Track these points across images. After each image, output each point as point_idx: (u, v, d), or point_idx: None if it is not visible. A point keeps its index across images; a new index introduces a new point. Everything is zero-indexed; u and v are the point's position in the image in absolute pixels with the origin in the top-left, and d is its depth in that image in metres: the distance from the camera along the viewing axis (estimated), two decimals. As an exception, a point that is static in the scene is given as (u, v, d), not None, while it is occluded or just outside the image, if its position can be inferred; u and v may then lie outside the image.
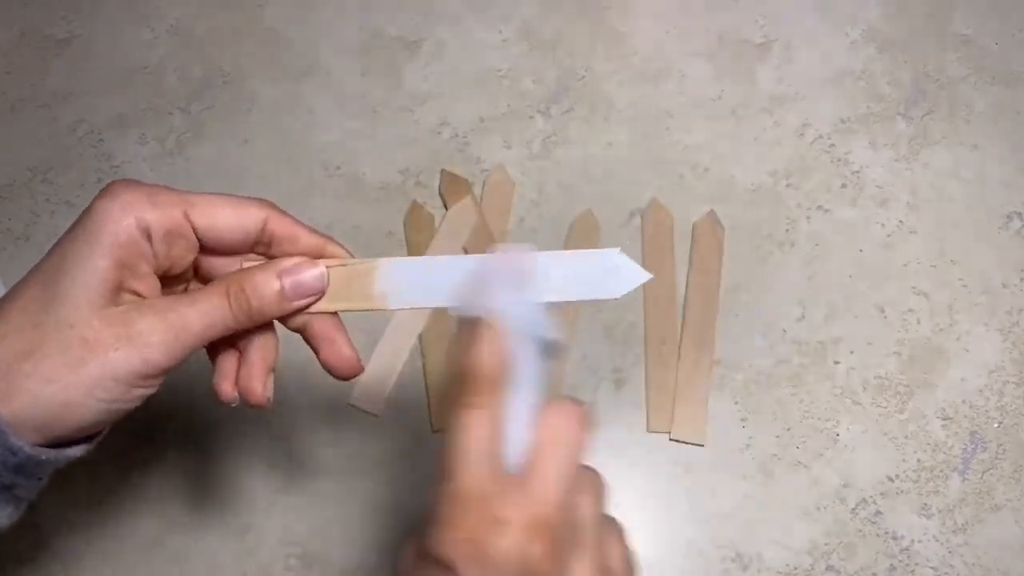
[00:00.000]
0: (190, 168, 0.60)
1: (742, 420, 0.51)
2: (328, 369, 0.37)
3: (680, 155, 0.59)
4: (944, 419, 0.51)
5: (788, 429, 0.51)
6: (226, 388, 0.37)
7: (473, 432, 0.31)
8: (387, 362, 0.53)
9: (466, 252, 0.56)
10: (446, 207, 0.57)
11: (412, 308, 0.37)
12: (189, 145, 0.60)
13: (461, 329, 0.32)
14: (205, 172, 0.59)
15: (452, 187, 0.58)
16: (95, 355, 0.31)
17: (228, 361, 0.37)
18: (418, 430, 0.52)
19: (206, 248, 0.36)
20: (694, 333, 0.53)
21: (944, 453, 0.50)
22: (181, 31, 0.65)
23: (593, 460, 0.33)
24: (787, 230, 0.56)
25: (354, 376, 0.38)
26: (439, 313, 0.54)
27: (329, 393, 0.53)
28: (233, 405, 0.37)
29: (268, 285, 0.35)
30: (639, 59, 0.62)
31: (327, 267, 0.36)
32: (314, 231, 0.37)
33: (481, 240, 0.56)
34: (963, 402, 0.51)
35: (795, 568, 0.48)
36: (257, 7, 0.65)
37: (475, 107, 0.61)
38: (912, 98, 0.60)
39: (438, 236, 0.56)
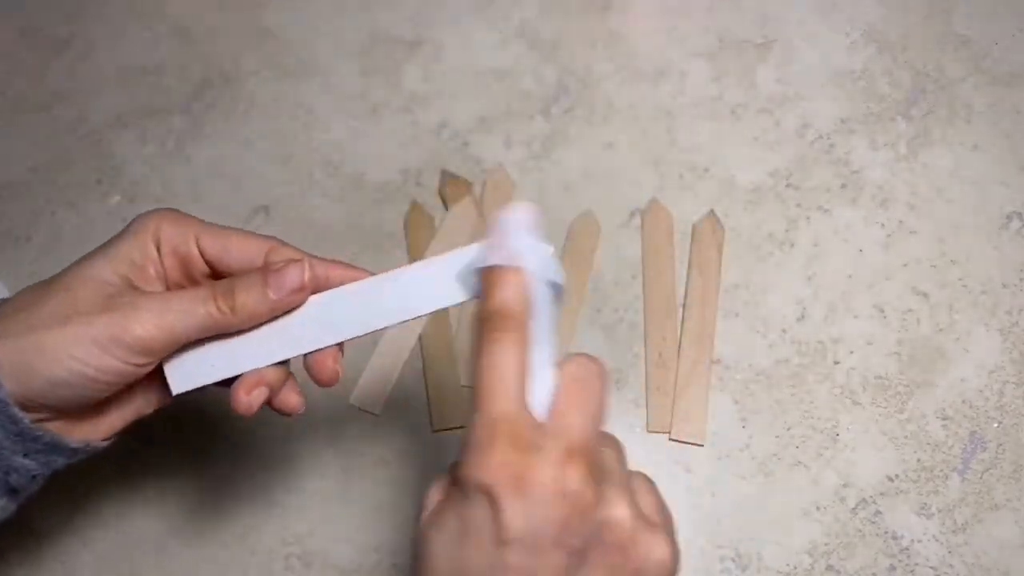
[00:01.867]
0: (190, 168, 0.60)
1: (742, 420, 0.51)
2: (312, 375, 0.39)
3: (680, 155, 0.59)
4: (944, 419, 0.51)
5: (788, 429, 0.51)
6: (242, 398, 0.37)
7: (505, 360, 0.31)
8: (387, 362, 0.53)
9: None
10: (446, 207, 0.57)
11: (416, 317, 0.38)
12: (189, 145, 0.60)
13: (483, 276, 0.34)
14: (205, 172, 0.59)
15: (452, 187, 0.58)
16: (80, 316, 0.34)
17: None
18: (418, 430, 0.52)
19: (216, 274, 0.38)
20: (694, 333, 0.53)
21: (944, 453, 0.50)
22: (181, 31, 0.65)
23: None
24: (787, 230, 0.56)
25: (332, 384, 0.39)
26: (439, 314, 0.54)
27: (329, 393, 0.53)
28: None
29: (253, 281, 0.36)
30: (639, 59, 0.62)
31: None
32: (319, 259, 0.38)
33: (481, 240, 0.56)
34: (963, 402, 0.51)
35: (795, 568, 0.48)
36: (257, 7, 0.65)
37: (475, 107, 0.61)
38: (912, 98, 0.60)
39: (438, 236, 0.56)
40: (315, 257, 0.38)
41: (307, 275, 0.37)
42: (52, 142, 0.61)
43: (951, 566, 0.48)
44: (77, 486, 0.50)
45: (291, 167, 0.59)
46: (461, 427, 0.51)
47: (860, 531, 0.48)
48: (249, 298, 0.36)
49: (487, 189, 0.58)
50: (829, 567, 0.48)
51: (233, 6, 0.65)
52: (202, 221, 0.38)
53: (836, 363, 0.52)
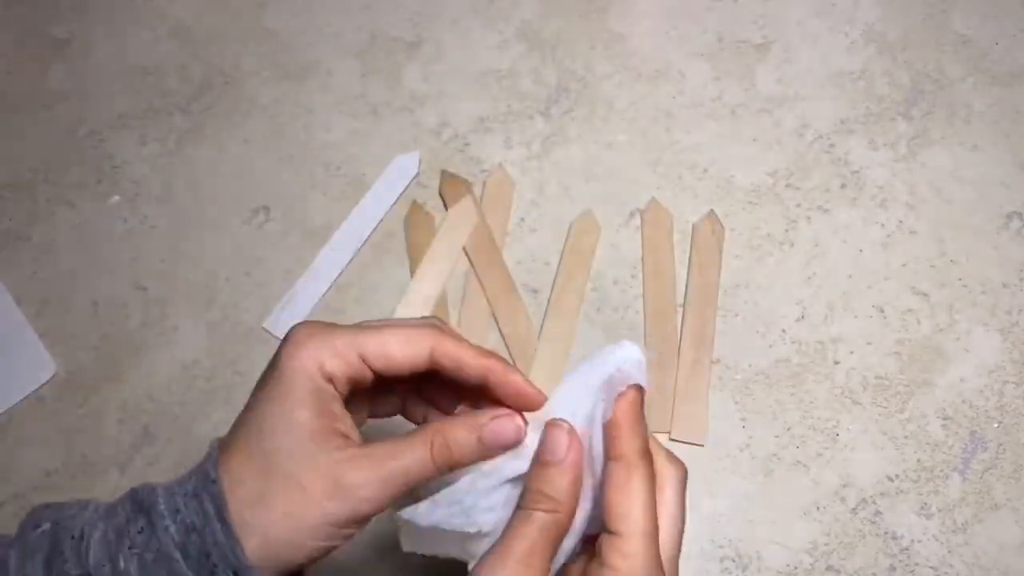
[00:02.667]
0: (190, 168, 0.60)
1: (742, 420, 0.51)
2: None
3: (680, 155, 0.59)
4: (944, 419, 0.51)
5: (788, 429, 0.51)
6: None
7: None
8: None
9: (466, 253, 0.56)
10: (446, 207, 0.57)
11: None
12: (189, 145, 0.60)
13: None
14: (205, 172, 0.59)
15: (452, 187, 0.58)
16: (313, 504, 0.34)
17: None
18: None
19: (383, 377, 0.38)
20: (694, 333, 0.53)
21: (944, 453, 0.50)
22: (181, 31, 0.65)
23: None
24: (787, 230, 0.56)
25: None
26: (439, 311, 0.54)
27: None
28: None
29: (468, 440, 0.36)
30: (639, 59, 0.62)
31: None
32: (479, 352, 0.37)
33: (481, 240, 0.56)
34: (963, 402, 0.51)
35: (795, 568, 0.48)
36: (257, 7, 0.65)
37: (475, 107, 0.61)
38: (911, 98, 0.60)
39: (438, 236, 0.56)
40: (473, 350, 0.37)
41: (522, 431, 0.36)
42: (52, 142, 0.61)
43: (951, 566, 0.48)
44: (77, 486, 0.50)
45: (291, 167, 0.59)
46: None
47: (860, 531, 0.48)
48: (464, 455, 0.36)
49: (487, 189, 0.58)
50: (829, 567, 0.48)
51: (233, 6, 0.65)
52: (354, 332, 0.37)
53: (836, 363, 0.52)
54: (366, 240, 0.56)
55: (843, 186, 0.57)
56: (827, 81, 0.61)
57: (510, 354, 0.53)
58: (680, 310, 0.54)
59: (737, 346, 0.53)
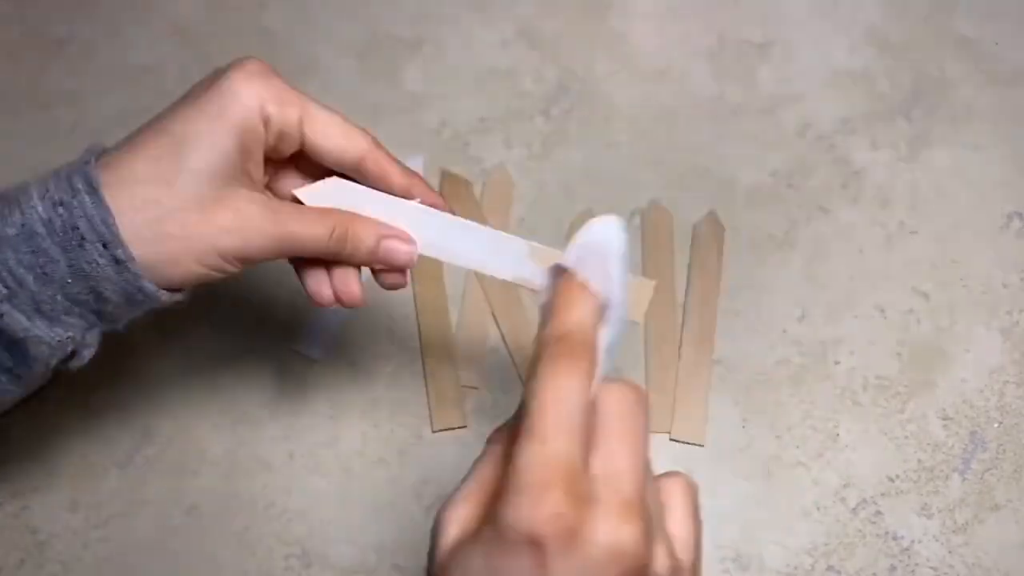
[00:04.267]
0: (190, 168, 0.59)
1: (742, 420, 0.51)
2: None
3: (680, 155, 0.59)
4: (944, 419, 0.51)
5: (788, 429, 0.51)
6: (324, 291, 0.40)
7: (572, 392, 0.27)
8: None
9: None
10: (446, 207, 0.57)
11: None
12: (189, 145, 0.60)
13: (564, 287, 0.30)
14: (205, 172, 0.59)
15: (452, 187, 0.58)
16: (210, 230, 0.36)
17: (318, 269, 0.40)
18: (418, 430, 0.52)
19: (306, 153, 0.39)
20: (694, 333, 0.53)
21: (944, 453, 0.50)
22: (181, 31, 0.65)
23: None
24: (787, 230, 0.56)
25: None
26: (438, 311, 0.54)
27: (329, 393, 0.53)
28: (332, 306, 0.41)
29: (367, 240, 0.39)
30: (639, 59, 0.62)
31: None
32: (405, 171, 0.41)
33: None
34: (963, 402, 0.51)
35: (795, 568, 0.48)
36: (257, 7, 0.65)
37: (475, 107, 0.61)
38: (912, 98, 0.60)
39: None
40: (401, 168, 0.40)
41: (413, 259, 0.40)
42: (52, 142, 0.61)
43: (951, 566, 0.47)
44: (77, 486, 0.50)
45: (291, 167, 0.59)
46: (461, 427, 0.51)
47: (860, 531, 0.48)
48: (356, 253, 0.39)
49: (487, 189, 0.58)
50: (830, 567, 0.48)
51: (233, 6, 0.65)
52: (304, 98, 0.38)
53: (836, 363, 0.52)
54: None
55: (844, 186, 0.57)
56: (828, 81, 0.61)
57: (511, 354, 0.53)
58: (680, 310, 0.54)
59: (737, 346, 0.53)
